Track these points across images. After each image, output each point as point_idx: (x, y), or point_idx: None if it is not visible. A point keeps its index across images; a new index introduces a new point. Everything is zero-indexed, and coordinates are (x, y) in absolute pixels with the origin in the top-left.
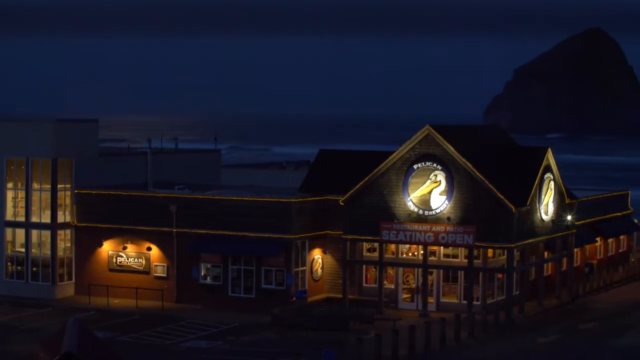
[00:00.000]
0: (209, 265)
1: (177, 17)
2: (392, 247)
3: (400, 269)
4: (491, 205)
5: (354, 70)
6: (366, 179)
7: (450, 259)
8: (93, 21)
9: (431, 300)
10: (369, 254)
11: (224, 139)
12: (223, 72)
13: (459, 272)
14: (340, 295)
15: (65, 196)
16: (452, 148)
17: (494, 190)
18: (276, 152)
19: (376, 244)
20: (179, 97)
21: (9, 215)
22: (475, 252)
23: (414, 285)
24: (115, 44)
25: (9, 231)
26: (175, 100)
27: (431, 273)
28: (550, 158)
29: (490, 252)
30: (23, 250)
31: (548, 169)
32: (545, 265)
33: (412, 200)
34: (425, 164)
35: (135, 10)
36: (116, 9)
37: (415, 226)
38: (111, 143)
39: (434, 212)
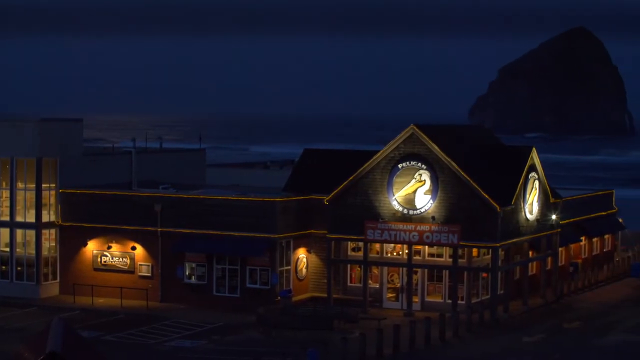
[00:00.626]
0: (193, 265)
1: (148, 16)
2: (377, 246)
3: (385, 269)
4: (476, 205)
5: (339, 71)
6: (351, 178)
7: (435, 259)
8: (60, 20)
9: (416, 299)
10: (353, 253)
11: (204, 139)
12: (202, 72)
13: (444, 271)
14: (325, 295)
15: (49, 196)
16: (436, 147)
17: (479, 189)
18: (255, 151)
19: (361, 244)
20: (156, 96)
21: None
22: (459, 252)
23: (398, 285)
24: (90, 43)
25: None
26: (152, 99)
27: (416, 272)
28: (534, 157)
29: (474, 251)
30: (7, 249)
31: (533, 168)
32: (529, 264)
33: (396, 199)
34: (409, 163)
35: (112, 9)
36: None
37: (400, 225)
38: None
39: (418, 211)
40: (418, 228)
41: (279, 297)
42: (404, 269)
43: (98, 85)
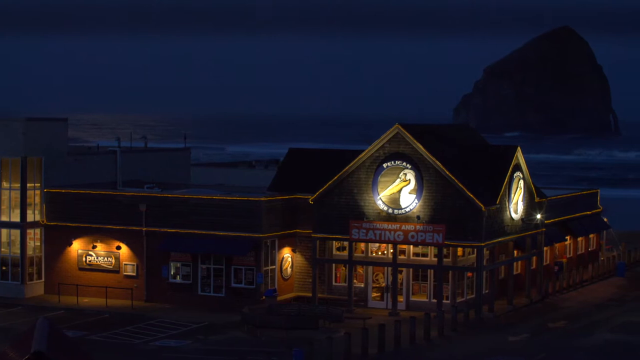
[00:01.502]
0: (178, 264)
1: (128, 15)
2: (362, 245)
3: (370, 268)
4: (461, 204)
5: (319, 70)
6: (335, 177)
7: (420, 258)
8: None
9: (401, 299)
10: (338, 252)
11: (179, 138)
12: (182, 71)
13: (429, 270)
14: (310, 294)
15: (34, 195)
16: (421, 147)
17: (464, 189)
18: (232, 151)
19: (346, 243)
20: (135, 96)
21: None
22: (444, 251)
23: (383, 284)
24: (72, 42)
25: None
26: (131, 99)
27: (401, 272)
28: (519, 157)
29: (459, 250)
30: None
31: (517, 167)
32: (514, 263)
33: (381, 199)
34: (394, 162)
35: (93, 9)
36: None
37: (385, 225)
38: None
39: (403, 210)
40: (403, 227)
41: (264, 297)
42: (389, 268)
43: (74, 85)
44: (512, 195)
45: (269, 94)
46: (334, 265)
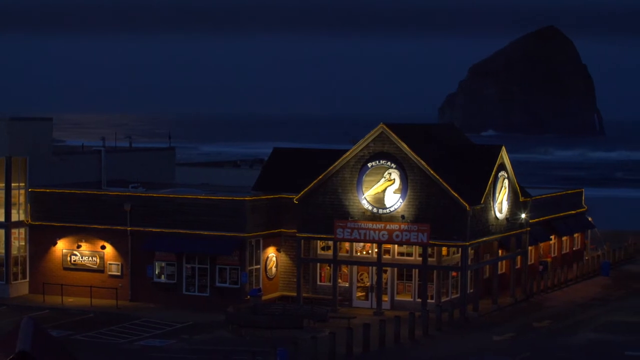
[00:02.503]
0: (163, 264)
1: (112, 16)
2: (347, 245)
3: (355, 267)
4: (445, 204)
5: (302, 70)
6: (320, 177)
7: (405, 257)
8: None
9: (385, 298)
10: (323, 252)
11: (154, 138)
12: (165, 71)
13: (413, 270)
14: (295, 294)
15: (19, 194)
16: (406, 146)
17: (448, 188)
18: (205, 151)
19: (330, 243)
20: (109, 96)
21: None
22: (429, 250)
23: (368, 284)
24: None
25: None
26: (105, 99)
27: (385, 271)
28: (504, 156)
29: (444, 250)
30: None
31: (502, 167)
32: (499, 263)
33: (366, 198)
34: (379, 162)
35: (69, 7)
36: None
37: (370, 224)
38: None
39: (388, 210)
40: (387, 227)
41: (248, 296)
42: (374, 268)
43: (55, 85)
44: (497, 194)
45: (244, 94)
46: (318, 264)
